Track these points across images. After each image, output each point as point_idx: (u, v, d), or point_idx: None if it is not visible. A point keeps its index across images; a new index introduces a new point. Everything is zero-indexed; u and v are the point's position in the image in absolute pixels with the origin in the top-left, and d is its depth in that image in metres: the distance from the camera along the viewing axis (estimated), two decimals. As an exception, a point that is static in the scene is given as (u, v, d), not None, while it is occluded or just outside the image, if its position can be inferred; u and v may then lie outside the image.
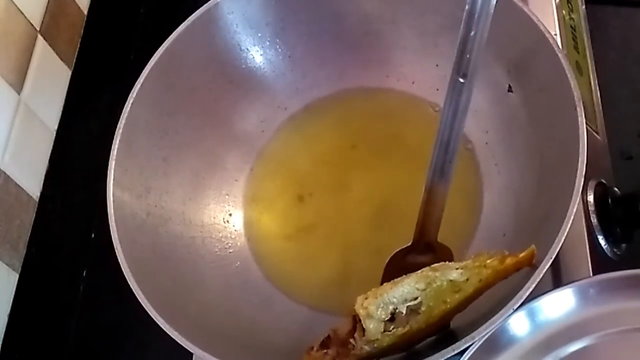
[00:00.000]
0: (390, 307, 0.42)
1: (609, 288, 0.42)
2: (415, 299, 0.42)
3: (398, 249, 0.50)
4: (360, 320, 0.42)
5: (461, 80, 0.44)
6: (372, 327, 0.42)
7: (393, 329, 0.42)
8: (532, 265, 0.42)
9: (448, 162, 0.47)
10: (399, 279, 0.43)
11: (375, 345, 0.42)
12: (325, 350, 0.43)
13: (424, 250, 0.49)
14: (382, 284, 0.44)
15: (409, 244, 0.50)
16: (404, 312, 0.42)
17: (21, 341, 0.61)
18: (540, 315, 0.42)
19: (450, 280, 0.42)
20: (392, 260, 0.50)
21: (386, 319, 0.42)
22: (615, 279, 0.42)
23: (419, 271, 0.43)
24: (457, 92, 0.45)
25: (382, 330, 0.42)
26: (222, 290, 0.55)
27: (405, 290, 0.42)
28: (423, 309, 0.42)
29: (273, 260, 0.58)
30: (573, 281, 0.43)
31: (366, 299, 0.42)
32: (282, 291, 0.56)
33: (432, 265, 0.43)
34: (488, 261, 0.42)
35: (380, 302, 0.42)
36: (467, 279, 0.42)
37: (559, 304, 0.42)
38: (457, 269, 0.42)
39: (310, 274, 0.57)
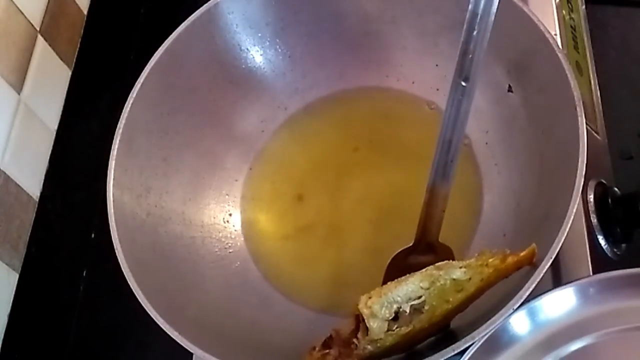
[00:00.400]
0: (394, 306, 0.42)
1: (609, 287, 0.42)
2: (419, 297, 0.42)
3: (399, 250, 0.50)
4: (363, 320, 0.42)
5: (463, 83, 0.44)
6: (376, 326, 0.42)
7: (396, 328, 0.42)
8: (532, 264, 0.42)
9: (450, 163, 0.47)
10: (403, 277, 0.43)
11: (378, 345, 0.42)
12: (327, 351, 0.43)
13: (425, 250, 0.49)
14: (383, 284, 0.44)
15: (411, 245, 0.50)
16: (408, 311, 0.42)
17: (21, 341, 0.61)
18: (541, 315, 0.42)
19: (454, 279, 0.42)
20: (394, 261, 0.50)
21: (390, 318, 0.42)
22: (615, 277, 0.42)
23: (423, 270, 0.43)
24: (459, 95, 0.45)
25: (386, 329, 0.42)
26: (222, 290, 0.55)
27: (410, 289, 0.42)
28: (426, 308, 0.42)
29: (272, 260, 0.58)
30: (573, 280, 0.43)
31: (370, 298, 0.42)
32: (281, 291, 0.56)
33: (436, 264, 0.43)
34: (490, 260, 0.42)
35: (384, 301, 0.42)
36: (470, 278, 0.42)
37: (559, 303, 0.42)
38: (460, 267, 0.42)
39: (310, 274, 0.57)
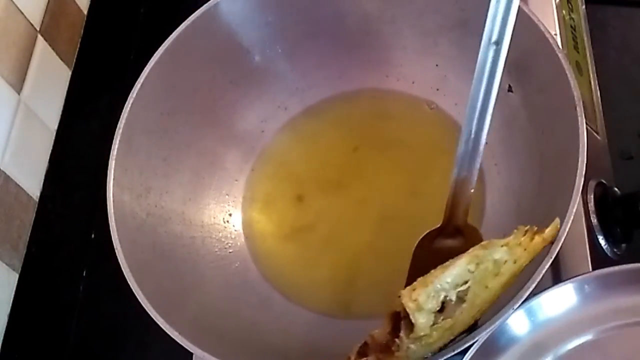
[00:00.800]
0: (442, 295, 0.38)
1: (607, 283, 0.42)
2: (465, 282, 0.39)
3: (426, 233, 0.48)
4: (405, 317, 0.38)
5: (494, 46, 0.43)
6: (423, 320, 0.38)
7: (442, 320, 0.39)
8: (552, 241, 0.41)
9: (480, 131, 0.45)
10: (447, 263, 0.39)
11: (423, 342, 0.39)
12: (364, 359, 0.40)
13: (453, 233, 0.47)
14: (410, 267, 0.42)
15: (438, 226, 0.48)
16: (454, 299, 0.39)
17: (21, 341, 0.61)
18: (540, 313, 0.42)
19: (495, 260, 0.39)
20: (421, 245, 0.48)
21: (437, 309, 0.38)
22: (613, 273, 0.42)
23: (469, 250, 0.40)
24: (490, 57, 0.43)
25: (432, 323, 0.38)
26: (222, 290, 0.55)
27: (457, 272, 0.39)
28: (468, 296, 0.39)
29: (272, 260, 0.58)
30: (571, 277, 0.43)
31: (414, 290, 0.38)
32: (281, 292, 0.56)
33: (481, 243, 0.40)
34: (522, 238, 0.40)
35: (431, 290, 0.38)
36: (506, 261, 0.40)
37: (557, 301, 0.42)
38: (502, 246, 0.40)
39: (310, 274, 0.57)
